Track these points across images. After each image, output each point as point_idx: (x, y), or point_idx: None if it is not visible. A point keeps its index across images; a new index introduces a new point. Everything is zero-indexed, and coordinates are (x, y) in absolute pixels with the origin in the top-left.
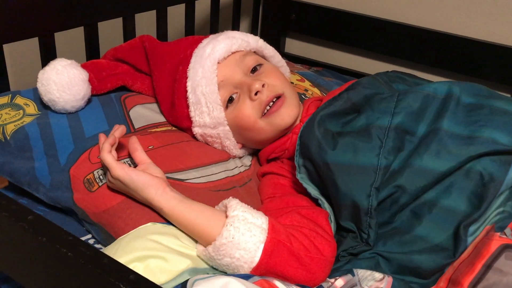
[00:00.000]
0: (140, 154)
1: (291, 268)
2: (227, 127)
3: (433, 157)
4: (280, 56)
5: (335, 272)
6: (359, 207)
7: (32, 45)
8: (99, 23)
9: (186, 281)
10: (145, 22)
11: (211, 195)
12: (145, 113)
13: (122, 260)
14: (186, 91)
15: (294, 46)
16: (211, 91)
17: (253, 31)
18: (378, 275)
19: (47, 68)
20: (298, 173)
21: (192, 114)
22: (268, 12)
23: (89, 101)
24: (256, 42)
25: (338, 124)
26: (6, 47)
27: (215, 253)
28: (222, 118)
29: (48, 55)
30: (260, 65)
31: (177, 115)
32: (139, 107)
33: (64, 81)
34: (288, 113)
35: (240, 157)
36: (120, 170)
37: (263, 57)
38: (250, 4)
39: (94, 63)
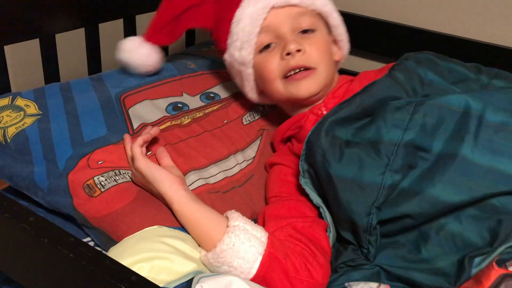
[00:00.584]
0: (166, 161)
1: (281, 286)
2: (250, 70)
3: (448, 187)
4: (344, 29)
5: (329, 286)
6: (358, 224)
7: (33, 46)
8: (100, 24)
9: (191, 279)
10: (146, 23)
11: (211, 197)
12: (144, 110)
13: (128, 260)
14: (233, 18)
15: None
16: (250, 32)
17: None
18: (373, 284)
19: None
20: (302, 177)
21: (228, 41)
22: None
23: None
24: (323, 6)
25: (349, 130)
26: (7, 48)
27: (214, 260)
28: (248, 60)
29: (49, 56)
30: (313, 31)
31: (220, 34)
32: (138, 105)
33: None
34: (308, 87)
35: (254, 105)
36: (142, 162)
37: (326, 23)
38: None
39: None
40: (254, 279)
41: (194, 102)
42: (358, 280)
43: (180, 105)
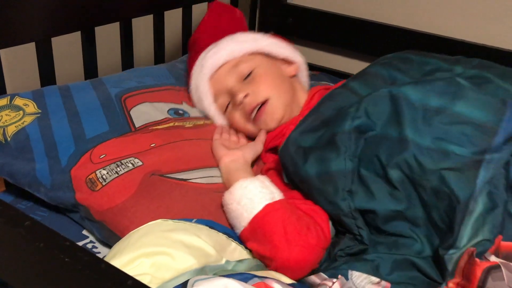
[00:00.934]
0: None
1: (277, 235)
2: (226, 123)
3: (396, 166)
4: (283, 47)
5: (332, 272)
6: (340, 213)
7: (29, 49)
8: (96, 28)
9: (186, 281)
10: (142, 26)
11: (215, 196)
12: (146, 111)
13: (130, 255)
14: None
15: None
16: (209, 104)
17: None
18: (375, 279)
19: None
20: (292, 188)
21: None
22: (265, 16)
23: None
24: (250, 47)
25: (309, 139)
26: (2, 52)
27: (228, 196)
28: (221, 120)
29: (45, 59)
30: (253, 70)
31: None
32: (140, 105)
33: None
34: (271, 119)
35: None
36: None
37: (269, 53)
38: (247, 8)
39: None
40: (253, 221)
41: (194, 111)
42: (360, 271)
43: (181, 112)
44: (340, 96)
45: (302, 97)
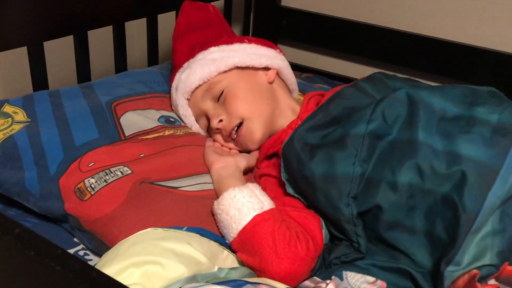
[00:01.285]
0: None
1: (265, 247)
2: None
3: (406, 170)
4: (256, 57)
5: (325, 275)
6: (340, 218)
7: (21, 53)
8: (89, 32)
9: None
10: (136, 29)
11: (206, 203)
12: (137, 119)
13: (120, 265)
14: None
15: (285, 52)
16: (190, 124)
17: None
18: (370, 278)
19: None
20: (288, 187)
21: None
22: (259, 19)
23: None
24: (220, 66)
25: (317, 136)
26: None
27: (217, 206)
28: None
29: (37, 63)
30: (225, 89)
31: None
32: (130, 113)
33: None
34: (251, 141)
35: None
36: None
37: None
38: (241, 10)
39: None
40: (243, 232)
41: None
42: (355, 272)
43: (172, 119)
44: (352, 95)
45: (291, 101)
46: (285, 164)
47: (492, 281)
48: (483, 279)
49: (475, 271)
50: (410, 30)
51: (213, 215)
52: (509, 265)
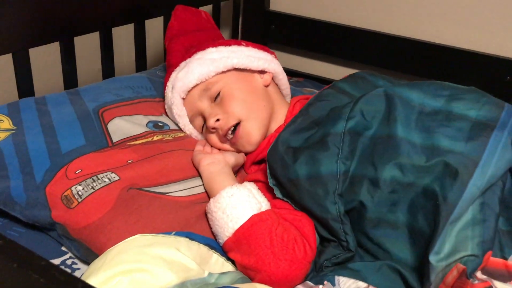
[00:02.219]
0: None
1: (262, 247)
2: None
3: (387, 166)
4: (253, 59)
5: (317, 279)
6: (328, 217)
7: (6, 60)
8: (75, 38)
9: None
10: (124, 35)
11: (195, 208)
12: (124, 125)
13: (107, 273)
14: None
15: None
16: (184, 124)
17: None
18: (362, 284)
19: None
20: (276, 192)
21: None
22: (248, 23)
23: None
24: (219, 67)
25: (300, 139)
26: None
27: (214, 204)
28: (200, 138)
29: (22, 70)
30: (222, 90)
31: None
32: (118, 119)
33: None
34: (248, 143)
35: None
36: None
37: (241, 68)
38: (229, 15)
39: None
40: (238, 232)
41: (174, 124)
42: (347, 277)
43: (160, 124)
44: (331, 96)
45: (283, 105)
46: (270, 170)
47: (479, 274)
48: (472, 273)
49: (462, 266)
50: (400, 33)
51: (205, 215)
52: (492, 255)
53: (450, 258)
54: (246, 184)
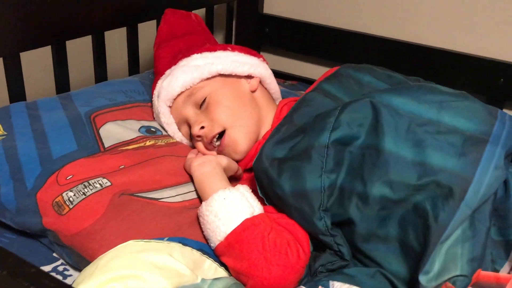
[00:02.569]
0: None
1: (255, 252)
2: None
3: (376, 183)
4: (247, 67)
5: (311, 284)
6: (317, 232)
7: None
8: (67, 41)
9: None
10: (117, 38)
11: (188, 213)
12: (116, 130)
13: (100, 279)
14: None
15: (268, 59)
16: (173, 132)
17: None
18: None
19: None
20: (266, 202)
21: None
22: (242, 27)
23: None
24: (203, 73)
25: (285, 148)
26: None
27: (206, 208)
28: (189, 144)
29: (14, 75)
30: (207, 96)
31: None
32: (110, 124)
33: None
34: (235, 152)
35: None
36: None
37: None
38: (223, 18)
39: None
40: (230, 236)
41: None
42: (342, 281)
43: (153, 129)
44: (315, 101)
45: (271, 110)
46: (258, 181)
47: None
48: None
49: (451, 285)
50: (393, 36)
51: (197, 219)
52: (483, 268)
53: (440, 278)
54: (239, 187)
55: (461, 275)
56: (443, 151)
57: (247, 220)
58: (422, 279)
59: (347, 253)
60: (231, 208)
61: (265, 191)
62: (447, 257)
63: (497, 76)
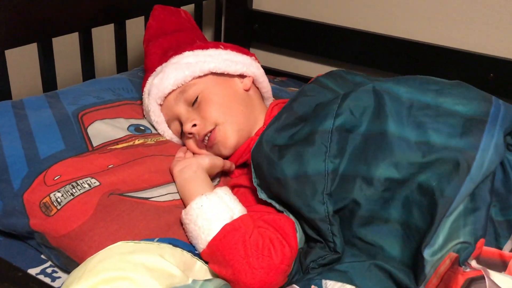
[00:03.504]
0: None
1: (237, 258)
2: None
3: (381, 164)
4: (240, 66)
5: (305, 283)
6: (316, 217)
7: None
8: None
9: None
10: (105, 35)
11: (178, 212)
12: (105, 129)
13: (88, 282)
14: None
15: (258, 56)
16: (163, 130)
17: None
18: (350, 287)
19: None
20: (260, 193)
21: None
22: (231, 23)
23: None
24: (194, 72)
25: (285, 136)
26: None
27: (185, 216)
28: (179, 143)
29: None
30: (200, 94)
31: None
32: (98, 123)
33: None
34: (224, 146)
35: None
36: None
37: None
38: (212, 14)
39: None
40: (212, 244)
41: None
42: (334, 280)
43: (142, 128)
44: (315, 91)
45: (263, 109)
46: (255, 169)
47: (473, 263)
48: (465, 261)
49: (455, 254)
50: (383, 32)
51: (182, 224)
52: (488, 245)
53: (443, 249)
54: (218, 190)
55: (464, 242)
56: (445, 131)
57: (226, 225)
58: (427, 252)
59: (340, 245)
60: (208, 215)
61: (263, 178)
62: (451, 230)
63: (487, 71)
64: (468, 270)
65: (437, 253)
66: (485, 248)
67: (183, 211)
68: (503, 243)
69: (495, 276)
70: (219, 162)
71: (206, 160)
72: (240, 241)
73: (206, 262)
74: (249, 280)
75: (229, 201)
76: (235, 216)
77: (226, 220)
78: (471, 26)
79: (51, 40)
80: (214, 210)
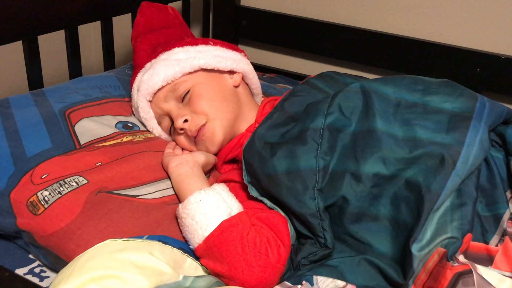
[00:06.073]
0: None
1: (234, 255)
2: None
3: (369, 161)
4: (230, 62)
5: (296, 279)
6: (306, 212)
7: None
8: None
9: None
10: (92, 32)
11: (167, 209)
12: (92, 126)
13: (77, 281)
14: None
15: (247, 52)
16: (152, 126)
17: None
18: (341, 282)
19: None
20: (251, 190)
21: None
22: (219, 19)
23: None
24: (185, 67)
25: (277, 135)
26: None
27: (182, 210)
28: (169, 139)
29: None
30: (190, 89)
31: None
32: (85, 120)
33: None
34: (211, 143)
35: None
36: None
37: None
38: (200, 11)
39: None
40: (209, 239)
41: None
42: (325, 276)
43: (130, 125)
44: (305, 92)
45: (253, 106)
46: (246, 166)
47: (461, 257)
48: (453, 256)
49: (443, 249)
50: (371, 27)
51: (176, 218)
52: (474, 240)
53: (431, 244)
54: (216, 186)
55: (452, 237)
56: (431, 128)
57: (224, 221)
58: (415, 248)
59: (330, 240)
60: (207, 210)
61: (254, 175)
62: (438, 225)
63: (474, 66)
64: (456, 264)
65: (424, 248)
66: (472, 243)
67: (180, 205)
68: (489, 238)
69: (482, 270)
70: (212, 159)
71: (202, 157)
72: (237, 238)
73: (198, 259)
74: (245, 277)
75: (227, 197)
76: (233, 213)
77: (224, 216)
78: (458, 21)
79: (37, 37)
80: (213, 205)
